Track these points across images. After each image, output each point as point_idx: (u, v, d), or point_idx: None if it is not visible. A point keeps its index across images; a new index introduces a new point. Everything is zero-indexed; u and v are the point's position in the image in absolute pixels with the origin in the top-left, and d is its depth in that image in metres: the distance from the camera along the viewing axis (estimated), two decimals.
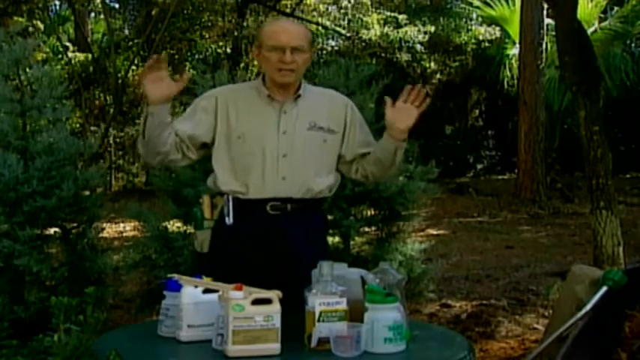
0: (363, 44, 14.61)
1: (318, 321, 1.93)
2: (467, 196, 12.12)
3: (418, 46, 14.34)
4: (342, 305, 1.96)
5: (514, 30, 11.96)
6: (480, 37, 14.46)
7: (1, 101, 3.86)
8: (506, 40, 12.82)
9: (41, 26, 14.59)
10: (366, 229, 4.53)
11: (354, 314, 1.98)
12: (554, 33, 7.89)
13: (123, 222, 8.22)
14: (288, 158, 2.47)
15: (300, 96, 2.54)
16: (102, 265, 3.97)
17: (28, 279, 3.83)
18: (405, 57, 14.33)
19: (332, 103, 2.62)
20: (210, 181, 2.57)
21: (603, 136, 4.89)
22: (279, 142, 2.48)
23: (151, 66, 2.35)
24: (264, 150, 2.47)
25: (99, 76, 13.60)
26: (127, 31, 15.54)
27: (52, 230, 3.99)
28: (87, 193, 4.05)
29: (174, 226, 4.35)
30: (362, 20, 14.84)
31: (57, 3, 15.85)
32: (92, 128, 13.20)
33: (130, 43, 14.45)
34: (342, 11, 15.43)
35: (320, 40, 15.23)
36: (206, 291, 2.06)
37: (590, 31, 10.34)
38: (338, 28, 15.36)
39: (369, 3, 14.92)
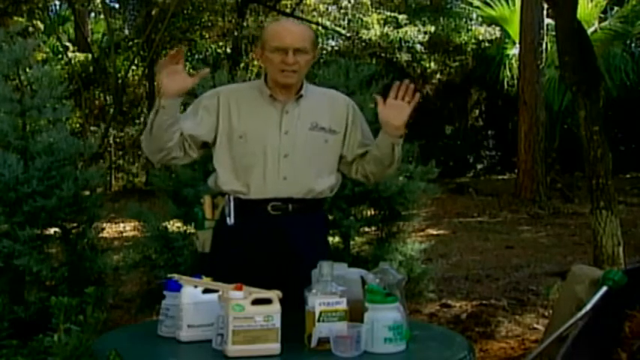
0: (363, 44, 14.61)
1: (318, 321, 1.93)
2: (467, 196, 12.12)
3: (418, 46, 14.34)
4: (342, 305, 1.96)
5: (514, 30, 11.96)
6: (480, 37, 14.46)
7: (1, 101, 3.86)
8: (506, 40, 12.83)
9: (41, 26, 14.60)
10: (366, 229, 4.52)
11: (354, 314, 1.99)
12: (554, 33, 7.89)
13: (123, 222, 8.22)
14: (290, 158, 2.47)
15: (302, 96, 2.54)
16: (102, 265, 3.97)
17: (28, 279, 3.83)
18: (405, 57, 14.33)
19: (334, 103, 2.62)
20: (211, 181, 2.57)
21: (603, 136, 4.89)
22: (281, 142, 2.48)
23: (172, 57, 2.35)
24: (266, 150, 2.47)
25: (99, 76, 13.61)
26: (127, 31, 15.54)
27: (52, 230, 3.99)
28: (87, 193, 4.05)
29: (174, 226, 4.35)
30: (362, 20, 14.84)
31: (57, 3, 15.88)
32: (92, 128, 13.21)
33: (130, 43, 14.46)
34: (342, 11, 15.43)
35: (320, 40, 15.22)
36: (206, 291, 2.06)
37: (590, 31, 10.34)
38: (338, 28, 15.36)
39: (369, 3, 14.92)
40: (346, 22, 15.41)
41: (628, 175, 13.48)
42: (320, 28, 14.70)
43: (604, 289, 2.66)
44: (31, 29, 13.26)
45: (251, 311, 1.91)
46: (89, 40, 15.38)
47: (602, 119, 5.07)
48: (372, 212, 4.46)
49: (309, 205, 2.51)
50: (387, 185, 4.20)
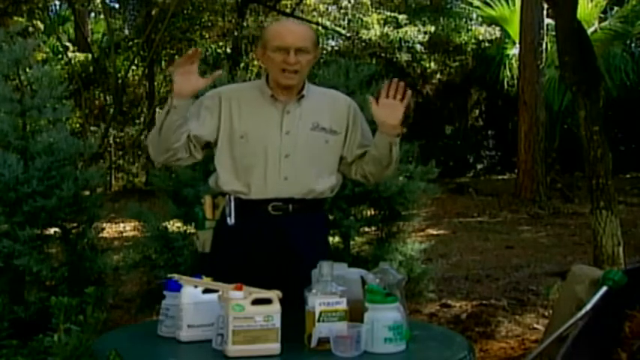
0: (363, 44, 14.61)
1: (318, 321, 1.93)
2: (467, 196, 12.12)
3: (418, 46, 14.34)
4: (342, 305, 1.96)
5: (514, 30, 11.96)
6: (480, 37, 14.46)
7: (1, 101, 3.86)
8: (506, 40, 12.82)
9: (41, 26, 14.59)
10: (366, 229, 4.52)
11: (354, 314, 1.99)
12: (554, 33, 7.89)
13: (123, 222, 8.22)
14: (291, 159, 2.47)
15: (304, 96, 2.54)
16: (102, 265, 3.97)
17: (28, 279, 3.83)
18: (405, 57, 14.33)
19: (335, 103, 2.62)
20: (212, 181, 2.57)
21: (603, 136, 4.89)
22: (282, 142, 2.48)
23: (188, 57, 2.35)
24: (267, 150, 2.47)
25: (99, 76, 13.60)
26: (127, 31, 15.54)
27: (52, 230, 3.99)
28: (87, 193, 4.05)
29: (174, 226, 4.35)
30: (362, 20, 14.84)
31: (57, 3, 15.88)
32: (92, 128, 13.20)
33: (130, 43, 14.46)
34: (342, 11, 15.43)
35: (320, 40, 15.20)
36: (206, 291, 2.06)
37: (590, 31, 10.34)
38: (338, 28, 15.36)
39: (369, 3, 14.92)
40: (346, 22, 15.41)
41: (628, 175, 13.48)
42: (320, 28, 14.70)
43: (604, 289, 2.66)
44: (31, 29, 13.26)
45: (251, 311, 1.91)
46: (89, 40, 15.38)
47: (602, 119, 5.07)
48: (372, 212, 4.46)
49: (309, 206, 2.51)
50: (387, 185, 4.20)
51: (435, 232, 8.58)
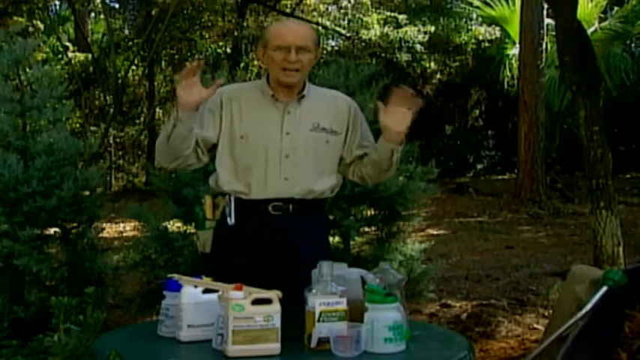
0: (363, 44, 14.61)
1: (318, 321, 1.93)
2: (467, 196, 12.12)
3: (418, 46, 14.34)
4: (342, 305, 1.96)
5: (514, 30, 11.97)
6: (480, 37, 14.46)
7: (1, 101, 3.86)
8: (506, 40, 12.83)
9: (41, 26, 14.59)
10: (366, 229, 4.52)
11: (354, 314, 1.99)
12: (554, 33, 7.90)
13: (123, 222, 8.22)
14: (291, 159, 2.47)
15: (304, 96, 2.53)
16: (102, 265, 3.98)
17: (28, 279, 3.83)
18: (405, 57, 14.33)
19: (335, 104, 2.62)
20: (212, 181, 2.57)
21: (603, 136, 4.89)
22: (282, 142, 2.48)
23: (190, 70, 2.33)
24: (267, 150, 2.47)
25: (99, 76, 13.59)
26: (127, 31, 15.53)
27: (52, 230, 3.99)
28: (87, 193, 4.05)
29: (175, 226, 4.35)
30: (362, 20, 14.84)
31: (57, 3, 15.90)
32: (92, 128, 13.20)
33: (130, 43, 14.45)
34: (342, 11, 15.43)
35: (320, 40, 15.20)
36: (206, 291, 2.06)
37: (590, 31, 10.35)
38: (338, 28, 15.36)
39: (369, 3, 14.92)
40: (346, 22, 15.41)
41: (628, 175, 13.48)
42: (320, 28, 14.70)
43: (604, 289, 2.66)
44: (31, 29, 13.26)
45: (251, 311, 1.91)
46: (89, 40, 15.37)
47: (602, 119, 5.07)
48: (372, 212, 4.46)
49: (309, 206, 2.50)
50: (387, 185, 4.20)
51: (435, 232, 8.58)
